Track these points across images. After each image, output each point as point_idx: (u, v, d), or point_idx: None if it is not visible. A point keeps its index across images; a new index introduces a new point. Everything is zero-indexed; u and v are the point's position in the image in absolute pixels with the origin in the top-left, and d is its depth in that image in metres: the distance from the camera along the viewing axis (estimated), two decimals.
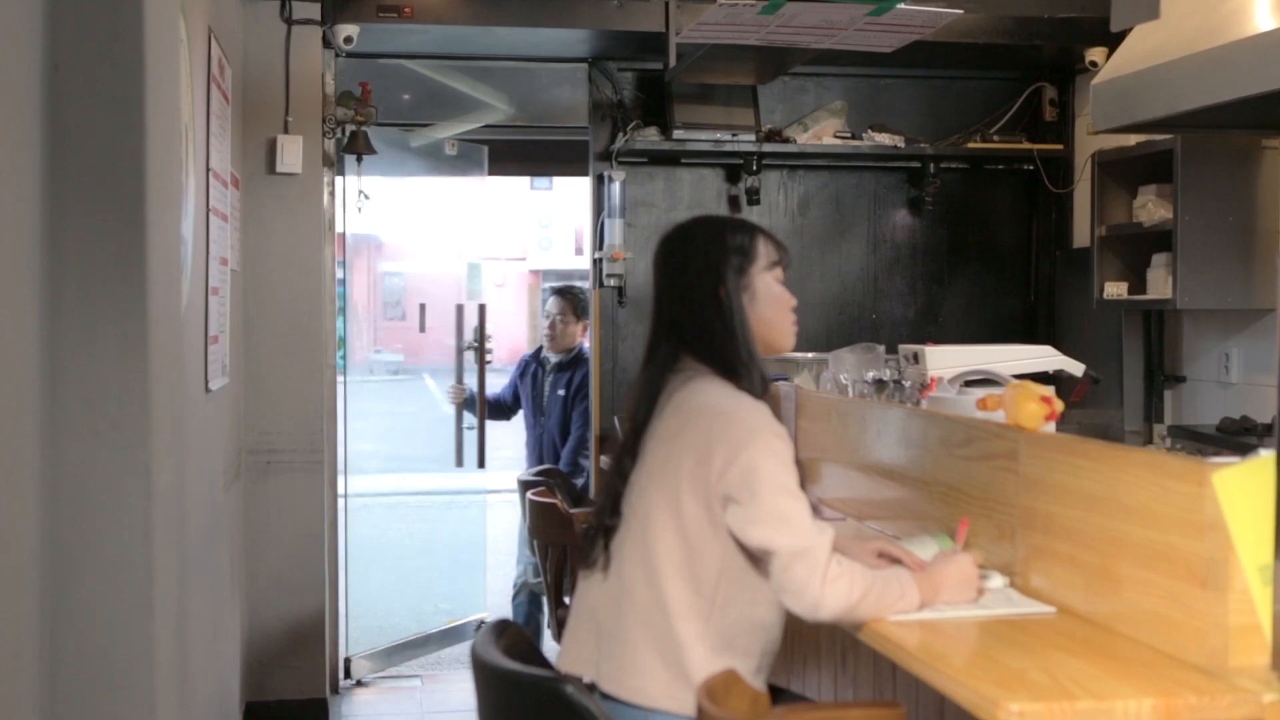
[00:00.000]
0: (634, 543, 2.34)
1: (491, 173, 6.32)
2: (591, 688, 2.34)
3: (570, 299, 5.85)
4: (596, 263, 5.63)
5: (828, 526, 2.27)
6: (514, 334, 25.53)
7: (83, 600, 2.18)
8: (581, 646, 2.41)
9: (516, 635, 2.36)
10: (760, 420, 2.30)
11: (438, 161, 6.00)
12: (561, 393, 5.77)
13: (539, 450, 5.84)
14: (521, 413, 5.99)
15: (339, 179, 5.18)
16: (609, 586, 2.37)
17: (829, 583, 2.20)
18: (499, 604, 6.24)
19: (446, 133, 5.87)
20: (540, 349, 5.97)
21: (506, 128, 5.83)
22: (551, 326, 5.83)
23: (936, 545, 2.68)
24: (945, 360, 3.54)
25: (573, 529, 3.82)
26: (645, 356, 2.49)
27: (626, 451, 2.42)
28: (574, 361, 5.80)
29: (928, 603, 2.34)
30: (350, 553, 5.39)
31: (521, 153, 6.99)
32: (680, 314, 2.44)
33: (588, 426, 5.70)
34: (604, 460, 5.11)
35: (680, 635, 2.27)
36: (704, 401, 2.34)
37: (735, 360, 2.39)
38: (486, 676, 2.24)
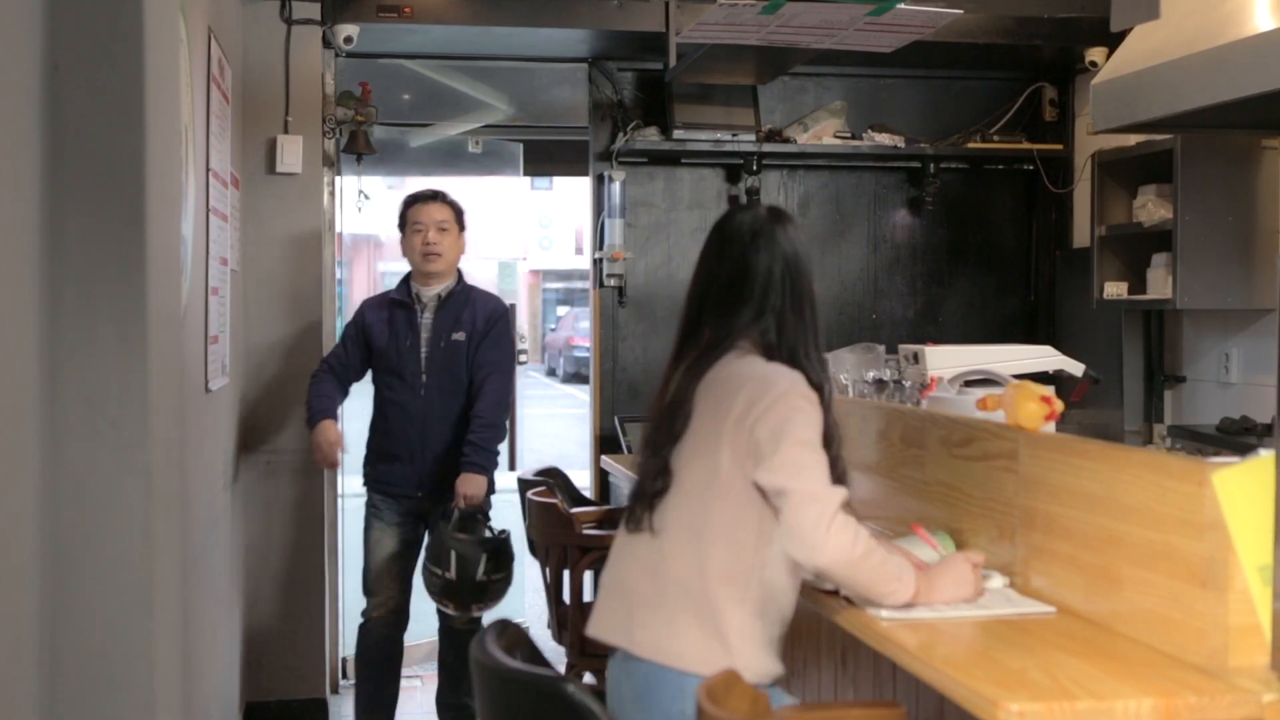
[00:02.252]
0: (676, 511, 2.39)
1: (491, 173, 6.31)
2: (626, 656, 2.39)
3: (449, 203, 4.41)
4: (597, 263, 5.63)
5: (842, 489, 2.33)
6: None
7: (83, 600, 2.18)
8: (614, 613, 2.45)
9: (516, 635, 2.36)
10: (792, 383, 2.39)
11: (459, 160, 5.96)
12: (460, 337, 4.28)
13: (420, 428, 4.27)
14: (379, 382, 4.39)
15: (338, 179, 5.18)
16: (647, 555, 2.41)
17: (834, 531, 2.26)
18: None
19: (446, 133, 5.87)
20: (401, 287, 4.39)
21: (506, 128, 5.83)
22: (426, 240, 4.31)
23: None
24: (945, 360, 3.54)
25: (573, 529, 3.82)
26: (714, 329, 2.49)
27: (668, 420, 2.44)
28: (465, 296, 4.36)
29: (923, 599, 2.35)
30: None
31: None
32: (780, 296, 2.49)
33: (508, 381, 4.36)
34: (605, 460, 5.12)
35: (719, 600, 2.32)
36: (741, 371, 2.42)
37: (809, 351, 2.46)
38: (487, 676, 2.24)
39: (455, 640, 4.30)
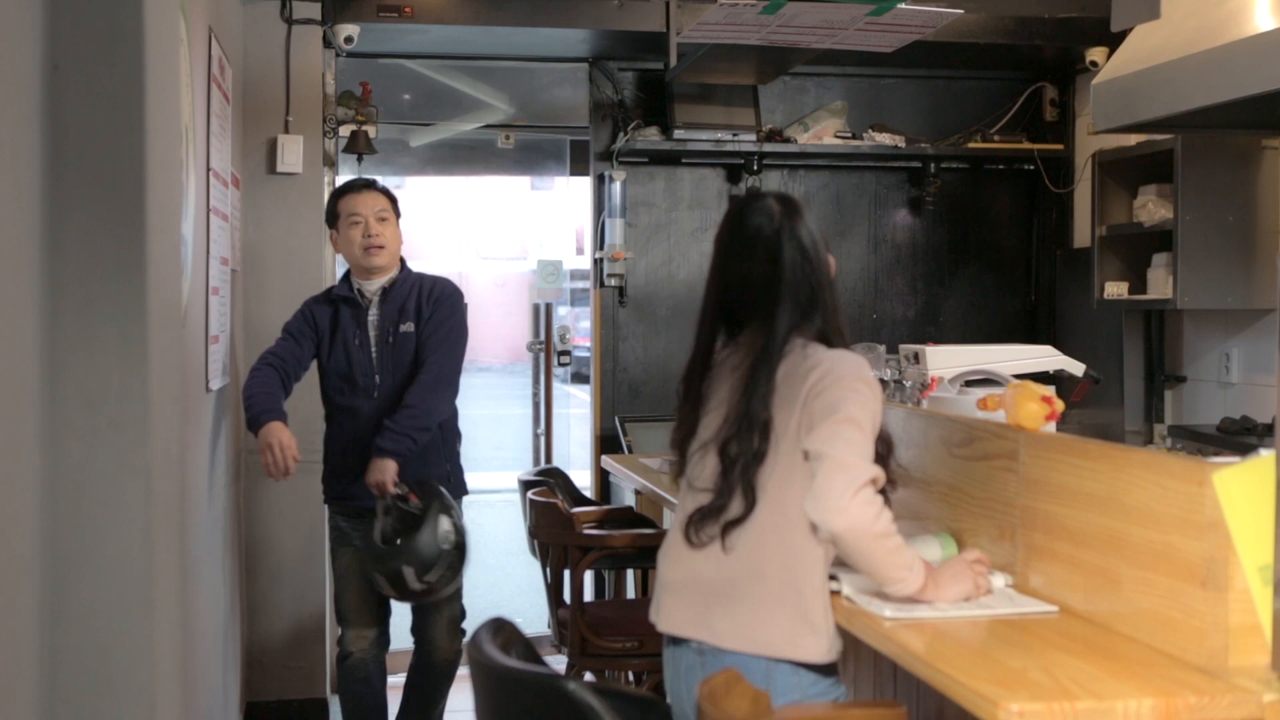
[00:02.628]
0: (761, 522, 2.41)
1: (530, 172, 6.30)
2: (700, 647, 2.45)
3: (383, 190, 4.09)
4: (597, 263, 5.63)
5: (877, 467, 2.36)
6: (515, 333, 25.51)
7: (83, 600, 2.18)
8: (688, 608, 2.48)
9: (514, 634, 2.36)
10: (856, 367, 2.45)
11: (489, 158, 5.93)
12: (408, 328, 3.97)
13: (367, 435, 3.90)
14: (329, 388, 4.07)
15: (338, 179, 5.17)
16: (722, 556, 2.44)
17: (859, 501, 2.30)
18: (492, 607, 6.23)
19: (446, 133, 5.86)
20: (343, 284, 4.09)
21: (506, 128, 5.83)
22: (367, 232, 3.98)
23: (938, 545, 2.69)
24: (946, 360, 3.53)
25: (573, 529, 3.82)
26: (758, 333, 2.50)
27: (746, 439, 2.43)
28: (409, 284, 4.03)
29: (927, 595, 2.37)
30: None
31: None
32: (811, 288, 2.52)
33: (449, 363, 3.96)
34: (605, 460, 5.11)
35: (806, 585, 2.38)
36: (808, 359, 2.46)
37: (841, 332, 2.55)
38: (484, 675, 2.24)
39: (430, 671, 4.11)
